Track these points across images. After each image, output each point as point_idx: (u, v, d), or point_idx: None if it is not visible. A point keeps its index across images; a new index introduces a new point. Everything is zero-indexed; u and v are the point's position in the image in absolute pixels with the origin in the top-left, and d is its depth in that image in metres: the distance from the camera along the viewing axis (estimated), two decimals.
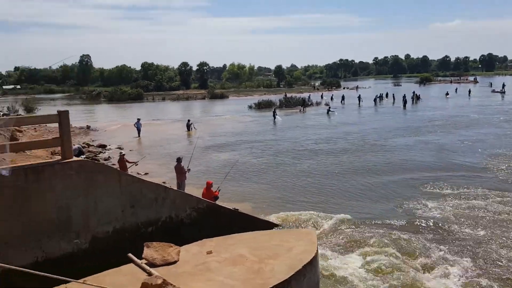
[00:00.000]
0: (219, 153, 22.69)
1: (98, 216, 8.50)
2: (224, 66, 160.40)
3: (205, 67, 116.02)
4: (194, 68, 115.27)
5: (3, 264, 2.44)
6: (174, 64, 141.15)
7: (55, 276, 2.77)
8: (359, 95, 55.25)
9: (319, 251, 8.13)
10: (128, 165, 15.33)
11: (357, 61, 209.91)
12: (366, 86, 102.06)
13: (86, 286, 4.82)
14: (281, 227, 10.97)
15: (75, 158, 8.48)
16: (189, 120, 32.15)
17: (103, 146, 24.71)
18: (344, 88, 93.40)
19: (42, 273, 2.50)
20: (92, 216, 8.42)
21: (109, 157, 21.30)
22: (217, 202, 10.93)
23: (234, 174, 15.00)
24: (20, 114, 35.27)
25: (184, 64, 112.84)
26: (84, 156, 17.15)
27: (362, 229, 11.47)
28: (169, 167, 17.25)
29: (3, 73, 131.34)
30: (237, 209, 11.08)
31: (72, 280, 3.18)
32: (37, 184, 7.69)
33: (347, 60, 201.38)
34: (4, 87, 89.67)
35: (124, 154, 15.87)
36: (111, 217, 8.68)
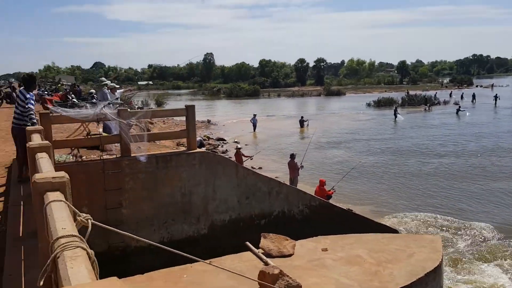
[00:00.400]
0: (333, 151, 22.30)
1: (216, 204, 8.99)
2: (342, 62, 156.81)
3: (322, 63, 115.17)
4: (311, 64, 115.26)
5: (146, 240, 2.62)
6: (291, 60, 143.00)
7: (188, 255, 2.92)
8: (496, 94, 49.27)
9: (446, 260, 7.52)
10: (243, 158, 15.89)
11: (493, 56, 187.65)
12: (504, 84, 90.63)
13: (209, 266, 5.10)
14: (400, 232, 10.34)
15: (198, 149, 9.07)
16: (302, 117, 32.23)
17: (221, 140, 26.09)
18: (476, 86, 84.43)
19: (179, 252, 2.64)
20: (211, 204, 8.94)
21: (226, 150, 22.38)
22: (331, 201, 10.73)
23: (351, 173, 14.58)
24: (152, 108, 39.07)
25: (301, 61, 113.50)
26: (205, 148, 18.29)
27: (501, 240, 10.25)
28: (282, 163, 17.48)
29: (139, 70, 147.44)
30: (351, 210, 10.73)
31: (200, 260, 3.34)
32: (166, 171, 8.41)
33: (481, 55, 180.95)
34: (139, 83, 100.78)
35: (240, 148, 16.50)
36: (228, 207, 9.12)
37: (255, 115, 30.61)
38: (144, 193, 8.27)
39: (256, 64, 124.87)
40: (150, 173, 8.29)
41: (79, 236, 1.55)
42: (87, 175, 7.60)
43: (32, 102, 6.59)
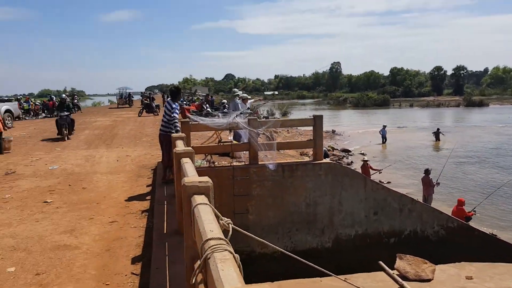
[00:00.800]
0: (475, 168, 20.04)
1: (342, 218, 8.77)
2: (486, 70, 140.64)
3: (462, 71, 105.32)
4: (449, 72, 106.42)
5: (289, 253, 2.64)
6: (426, 68, 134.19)
7: (323, 269, 2.87)
8: None
9: None
10: (371, 172, 15.27)
11: None
12: None
13: (340, 282, 4.96)
14: None
15: (324, 160, 8.99)
16: (438, 129, 29.73)
17: (346, 151, 25.43)
18: None
19: (315, 266, 2.60)
20: (336, 216, 8.76)
21: (351, 162, 21.73)
22: (471, 224, 9.64)
23: (496, 193, 12.89)
24: (277, 117, 40.13)
25: (437, 69, 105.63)
26: (329, 158, 18.06)
27: None
28: (414, 178, 16.37)
29: (266, 81, 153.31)
30: (495, 235, 9.48)
31: (333, 275, 3.25)
32: (291, 180, 8.51)
33: None
34: (265, 93, 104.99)
35: (367, 161, 15.89)
36: (354, 221, 8.82)
37: (384, 126, 29.23)
38: (270, 200, 8.48)
39: (386, 73, 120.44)
40: (276, 181, 8.48)
41: (226, 239, 1.61)
42: (218, 180, 8.05)
43: (177, 111, 7.27)
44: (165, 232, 4.53)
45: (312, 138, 8.82)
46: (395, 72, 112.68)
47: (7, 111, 19.25)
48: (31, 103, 30.49)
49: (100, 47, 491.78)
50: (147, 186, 7.41)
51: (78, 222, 5.37)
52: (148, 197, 6.58)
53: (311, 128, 8.73)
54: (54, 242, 4.63)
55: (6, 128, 13.41)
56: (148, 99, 28.73)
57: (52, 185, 7.56)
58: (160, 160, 9.03)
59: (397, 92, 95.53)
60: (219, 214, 2.19)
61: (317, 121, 8.44)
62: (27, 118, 27.07)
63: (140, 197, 6.59)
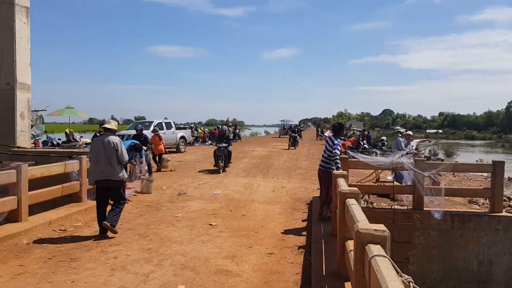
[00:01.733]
0: None
1: None
2: None
3: None
4: None
5: None
6: None
7: None
8: None
9: None
10: None
11: None
12: None
13: None
14: None
15: (504, 213, 7.74)
16: None
17: None
18: None
19: None
20: None
21: None
22: None
23: None
24: (440, 158, 36.53)
25: None
26: (504, 210, 15.53)
27: None
28: None
29: (428, 118, 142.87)
30: None
31: None
32: (461, 231, 7.55)
33: None
34: (427, 131, 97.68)
35: None
36: None
37: None
38: (435, 252, 7.63)
39: None
40: (443, 231, 7.62)
41: None
42: (376, 222, 7.56)
43: (339, 148, 7.11)
44: (323, 273, 4.36)
45: (488, 186, 7.73)
46: None
47: (182, 137, 22.12)
48: (200, 131, 34.36)
49: (260, 81, 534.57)
50: (303, 220, 7.38)
51: (239, 249, 5.61)
52: (304, 233, 6.53)
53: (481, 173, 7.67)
54: (217, 266, 4.90)
55: (167, 151, 15.78)
56: (294, 132, 29.55)
57: (216, 209, 8.16)
58: (316, 195, 8.97)
59: None
60: (399, 270, 1.96)
61: (497, 168, 7.37)
62: (196, 144, 30.51)
63: (296, 231, 6.59)
